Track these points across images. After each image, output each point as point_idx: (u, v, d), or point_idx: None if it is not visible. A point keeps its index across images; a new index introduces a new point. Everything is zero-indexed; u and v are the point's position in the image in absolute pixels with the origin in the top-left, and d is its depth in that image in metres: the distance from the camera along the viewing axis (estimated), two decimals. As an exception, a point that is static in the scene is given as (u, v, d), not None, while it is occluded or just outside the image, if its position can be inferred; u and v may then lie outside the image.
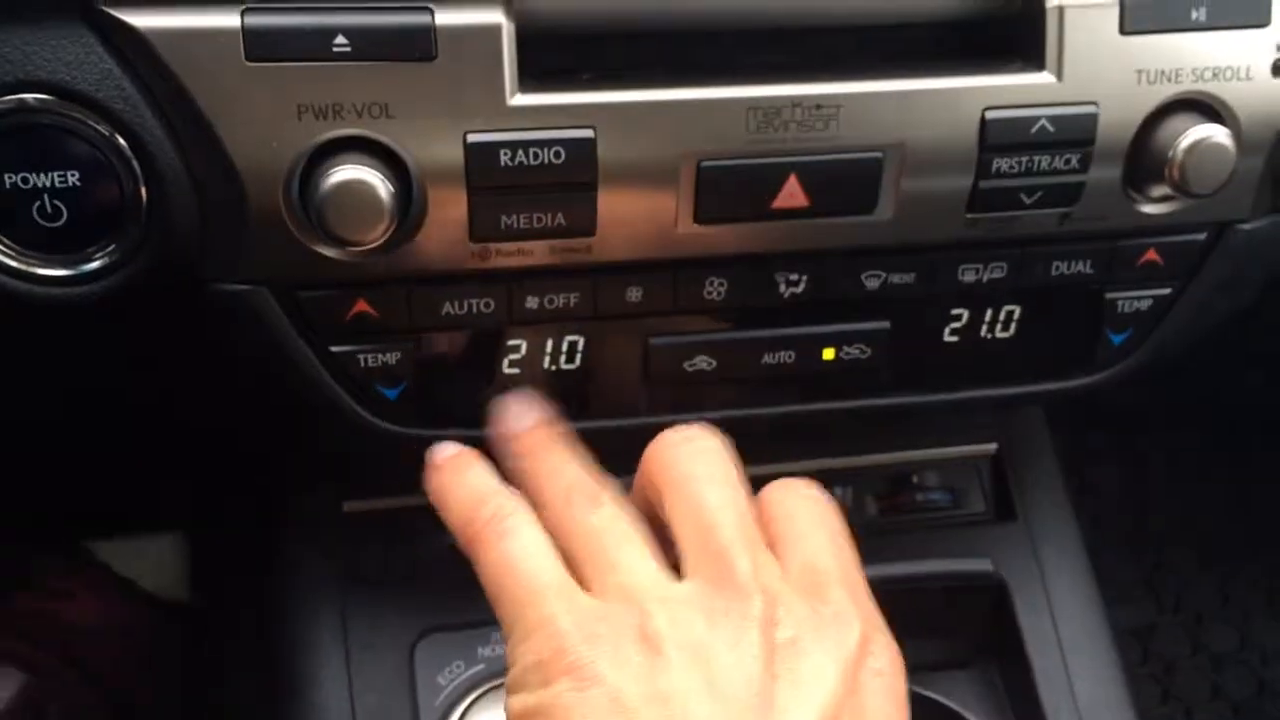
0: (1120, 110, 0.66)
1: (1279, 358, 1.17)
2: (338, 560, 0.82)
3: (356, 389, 0.67)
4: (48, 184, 0.58)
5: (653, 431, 0.74)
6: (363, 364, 0.67)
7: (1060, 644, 0.85)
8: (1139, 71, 0.65)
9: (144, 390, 0.75)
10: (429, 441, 0.71)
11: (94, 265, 0.60)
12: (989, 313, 0.73)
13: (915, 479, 0.91)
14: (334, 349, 0.66)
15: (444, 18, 0.59)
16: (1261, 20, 0.67)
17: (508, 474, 0.62)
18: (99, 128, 0.58)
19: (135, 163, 0.59)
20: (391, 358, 0.67)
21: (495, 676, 0.79)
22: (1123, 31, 0.65)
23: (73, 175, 0.58)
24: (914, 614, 0.85)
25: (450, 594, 0.81)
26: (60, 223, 0.59)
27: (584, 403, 0.72)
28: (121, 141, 0.59)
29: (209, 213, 0.61)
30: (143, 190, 0.59)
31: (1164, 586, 1.48)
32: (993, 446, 0.92)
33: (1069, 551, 0.90)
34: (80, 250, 0.60)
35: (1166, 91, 0.66)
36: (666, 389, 0.72)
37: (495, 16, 0.60)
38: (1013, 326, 0.74)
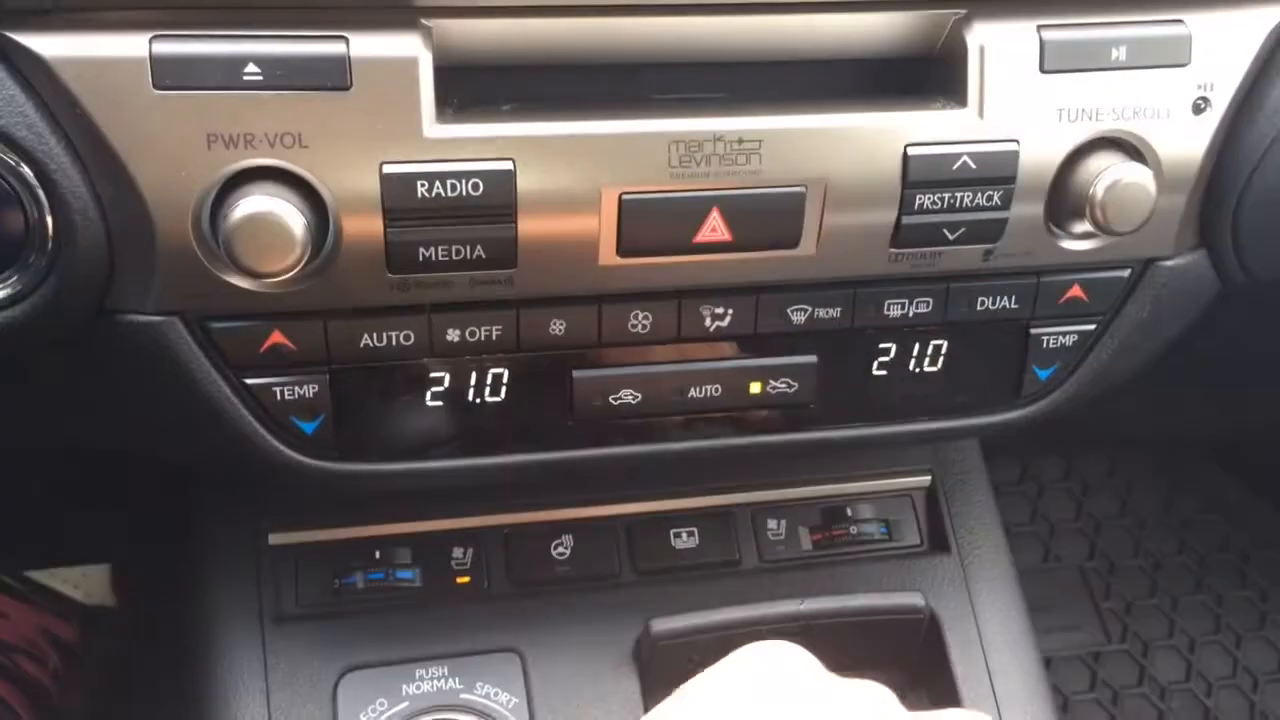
0: (1041, 148, 0.66)
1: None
2: (260, 594, 0.80)
3: (272, 422, 0.66)
4: (-52, 212, 0.56)
5: (580, 465, 0.73)
6: (279, 396, 0.65)
7: (990, 676, 0.85)
8: (1060, 110, 0.66)
9: (53, 420, 0.73)
10: (348, 476, 0.70)
11: (-4, 295, 0.58)
12: (916, 347, 0.73)
13: (849, 511, 0.91)
14: (249, 381, 0.65)
15: (359, 48, 0.58)
16: (1181, 60, 0.68)
17: None
18: (3, 155, 0.57)
19: (40, 191, 0.57)
20: (308, 390, 0.66)
21: (420, 714, 0.78)
22: (1043, 70, 0.65)
23: (-27, 203, 0.57)
24: (846, 647, 0.85)
25: (375, 630, 0.80)
26: (-40, 252, 0.57)
27: (509, 436, 0.71)
28: (26, 170, 0.57)
29: (117, 242, 0.60)
30: (48, 219, 0.58)
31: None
32: (927, 479, 0.92)
33: (1001, 585, 0.90)
34: (-19, 280, 0.58)
35: (1087, 130, 0.66)
36: (592, 422, 0.71)
37: (413, 47, 0.59)
38: (940, 361, 0.74)
